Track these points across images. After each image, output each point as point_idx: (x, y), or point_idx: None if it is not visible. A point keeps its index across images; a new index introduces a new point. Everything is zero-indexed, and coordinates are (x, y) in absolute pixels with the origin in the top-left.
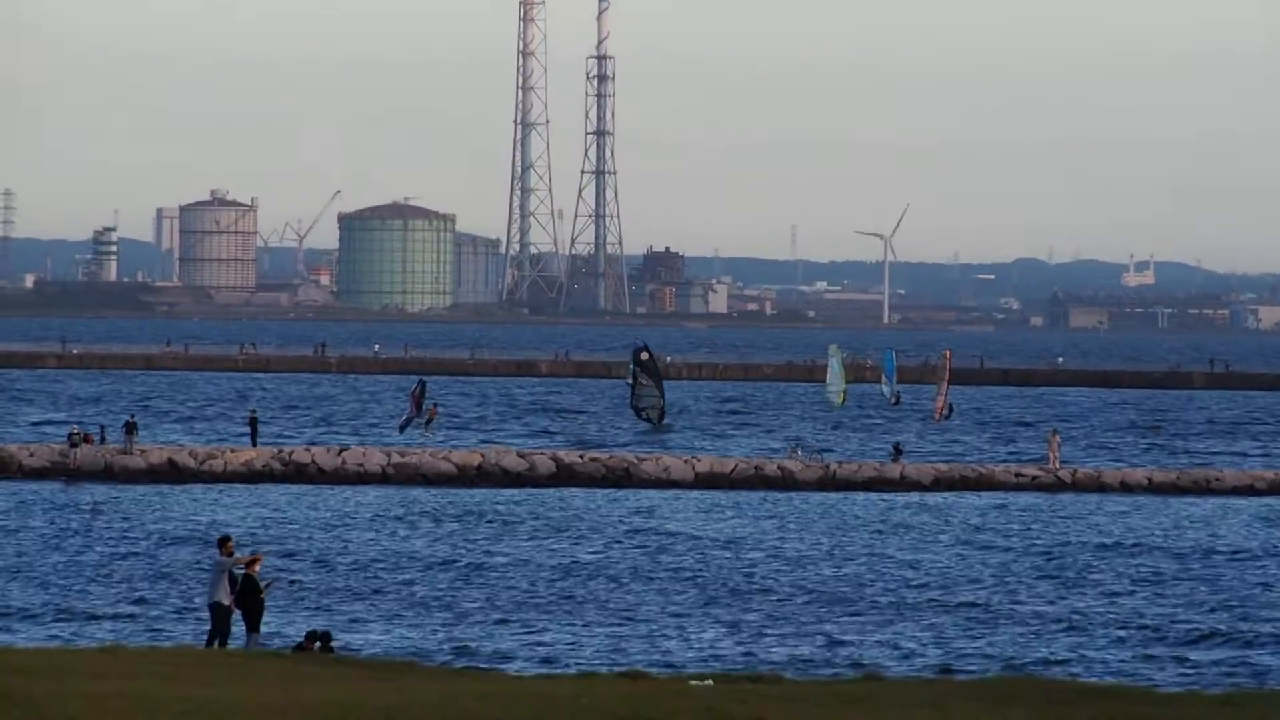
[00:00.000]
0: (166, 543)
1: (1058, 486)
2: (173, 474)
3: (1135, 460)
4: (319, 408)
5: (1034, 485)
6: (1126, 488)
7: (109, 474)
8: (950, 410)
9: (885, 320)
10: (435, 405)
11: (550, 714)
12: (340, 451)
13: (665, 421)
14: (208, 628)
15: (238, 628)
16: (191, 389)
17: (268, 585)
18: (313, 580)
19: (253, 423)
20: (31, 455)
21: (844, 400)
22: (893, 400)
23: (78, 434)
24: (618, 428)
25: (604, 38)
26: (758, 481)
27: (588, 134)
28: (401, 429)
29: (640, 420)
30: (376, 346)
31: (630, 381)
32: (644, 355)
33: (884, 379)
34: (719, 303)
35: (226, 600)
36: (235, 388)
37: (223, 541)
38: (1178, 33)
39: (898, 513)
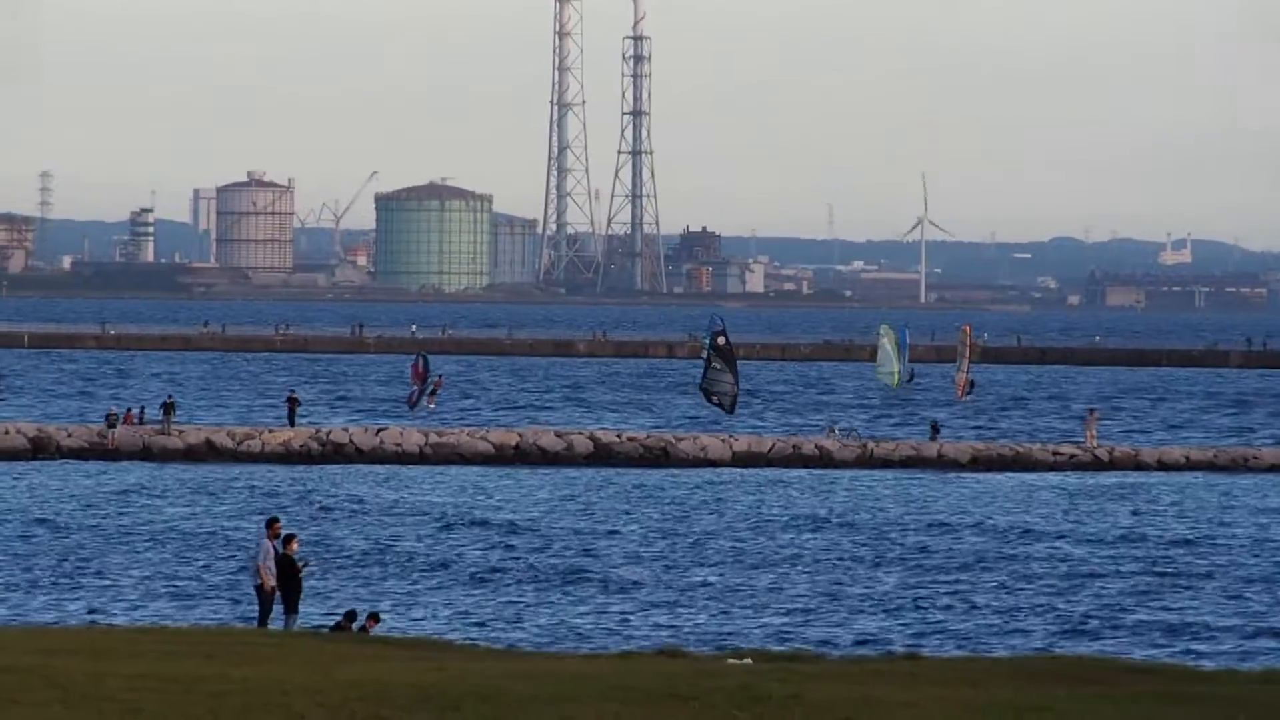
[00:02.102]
0: (202, 522)
1: (1095, 465)
2: (211, 454)
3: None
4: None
5: (1071, 464)
6: (1164, 466)
7: (147, 454)
8: (972, 387)
9: (922, 300)
10: (440, 376)
11: (587, 692)
12: (378, 431)
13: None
14: (251, 608)
15: (277, 608)
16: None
17: (304, 565)
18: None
19: (291, 403)
20: (70, 435)
21: (899, 381)
22: (906, 379)
23: (115, 414)
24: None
25: (640, 18)
26: (795, 460)
27: (624, 114)
28: (412, 405)
29: (709, 404)
30: (414, 327)
31: (704, 361)
32: (721, 340)
33: (900, 358)
34: (756, 282)
35: (272, 581)
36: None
37: (270, 523)
38: (1212, 16)
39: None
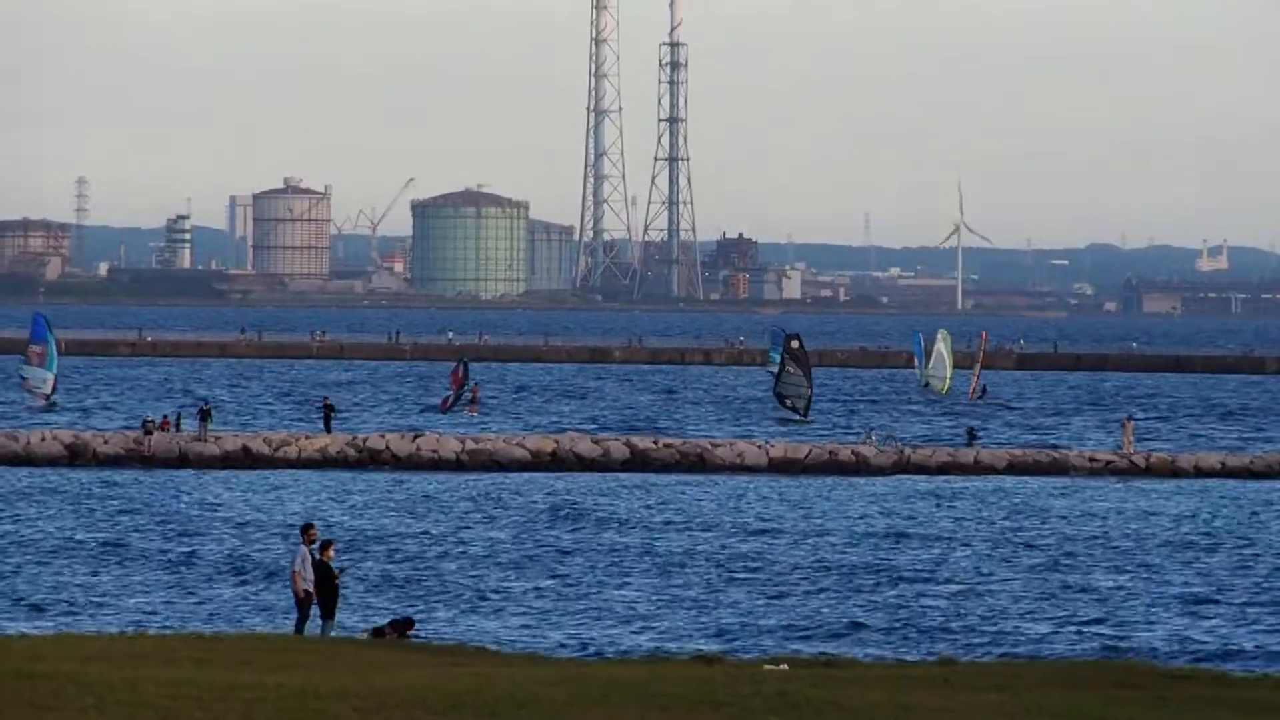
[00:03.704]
0: (240, 529)
1: (1132, 471)
2: (247, 460)
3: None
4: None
5: (1108, 470)
6: (1200, 472)
7: (183, 461)
8: (984, 391)
9: (959, 306)
10: (477, 385)
11: (622, 697)
12: (415, 438)
13: (810, 416)
14: (288, 615)
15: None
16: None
17: (341, 572)
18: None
19: (327, 409)
20: (106, 443)
21: (948, 388)
22: (924, 383)
23: (152, 421)
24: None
25: (676, 25)
26: (832, 467)
27: (661, 120)
28: (445, 409)
29: (783, 408)
30: (449, 333)
31: (775, 369)
32: (794, 344)
33: (916, 363)
34: (792, 289)
35: (310, 587)
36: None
37: (305, 529)
38: (1254, 20)
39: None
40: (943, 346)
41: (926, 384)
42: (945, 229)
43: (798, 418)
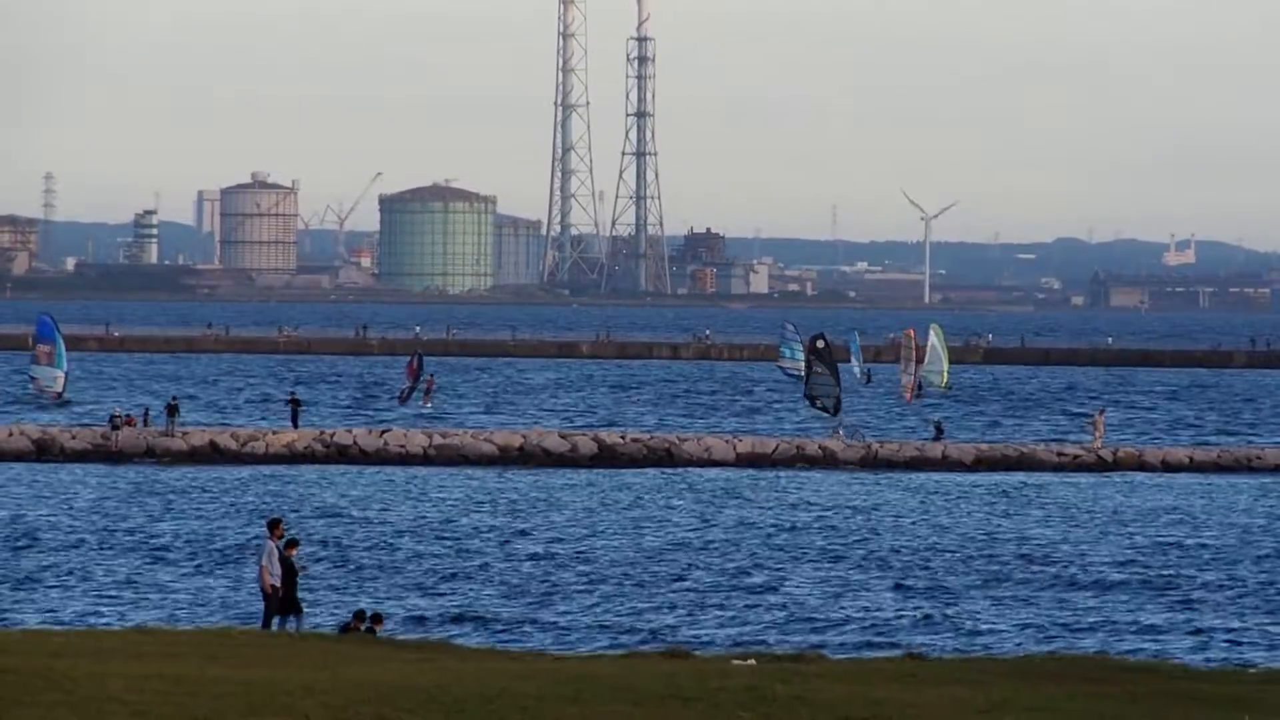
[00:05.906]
0: (207, 524)
1: (1099, 465)
2: (214, 456)
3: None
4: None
5: (1075, 464)
6: (1168, 467)
7: (151, 456)
8: (920, 389)
9: (926, 300)
10: (432, 376)
11: (591, 693)
12: (382, 433)
13: (841, 414)
14: (255, 610)
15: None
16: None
17: (303, 569)
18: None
19: (294, 404)
20: (74, 438)
21: (947, 381)
22: (864, 379)
23: (119, 416)
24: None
25: (644, 19)
26: (800, 461)
27: (628, 115)
28: (402, 401)
29: (814, 409)
30: (417, 328)
31: (802, 371)
32: (820, 344)
33: (853, 360)
34: (760, 283)
35: (277, 582)
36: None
37: (273, 525)
38: (1216, 16)
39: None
40: (936, 341)
41: (868, 379)
42: (914, 224)
43: (827, 416)
